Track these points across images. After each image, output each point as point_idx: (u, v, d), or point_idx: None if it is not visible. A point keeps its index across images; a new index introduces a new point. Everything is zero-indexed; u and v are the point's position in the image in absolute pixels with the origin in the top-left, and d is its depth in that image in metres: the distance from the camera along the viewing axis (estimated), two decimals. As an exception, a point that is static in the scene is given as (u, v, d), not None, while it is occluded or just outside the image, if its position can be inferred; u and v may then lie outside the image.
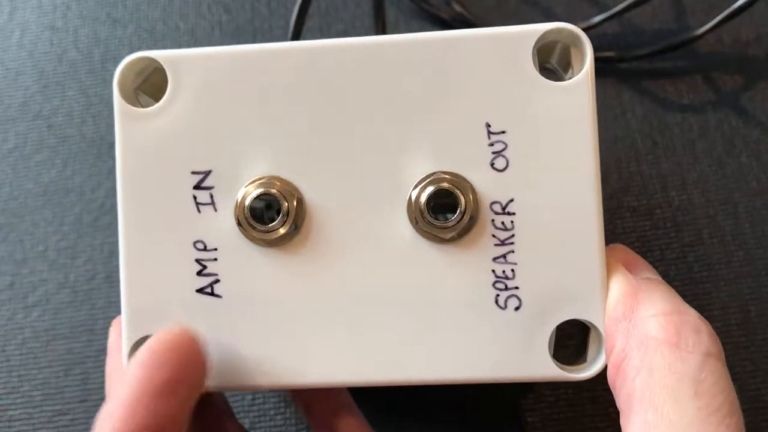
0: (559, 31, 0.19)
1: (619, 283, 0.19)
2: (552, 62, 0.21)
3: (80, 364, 0.28)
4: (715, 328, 0.27)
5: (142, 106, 0.20)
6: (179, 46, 0.34)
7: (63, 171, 0.32)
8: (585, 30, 0.32)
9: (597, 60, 0.32)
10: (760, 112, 0.30)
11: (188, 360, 0.18)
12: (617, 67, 0.32)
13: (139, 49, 0.34)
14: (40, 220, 0.31)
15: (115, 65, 0.33)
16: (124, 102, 0.20)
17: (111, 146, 0.32)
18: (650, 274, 0.20)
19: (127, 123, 0.20)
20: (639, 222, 0.29)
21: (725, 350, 0.27)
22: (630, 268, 0.20)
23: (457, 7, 0.33)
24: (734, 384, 0.27)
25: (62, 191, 0.31)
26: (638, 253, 0.28)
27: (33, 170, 0.32)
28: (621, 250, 0.21)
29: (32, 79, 0.34)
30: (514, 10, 0.33)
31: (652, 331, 0.17)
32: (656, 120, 0.30)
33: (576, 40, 0.19)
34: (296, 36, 0.29)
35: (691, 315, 0.18)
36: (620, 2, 0.31)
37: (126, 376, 0.18)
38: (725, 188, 0.29)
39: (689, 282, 0.28)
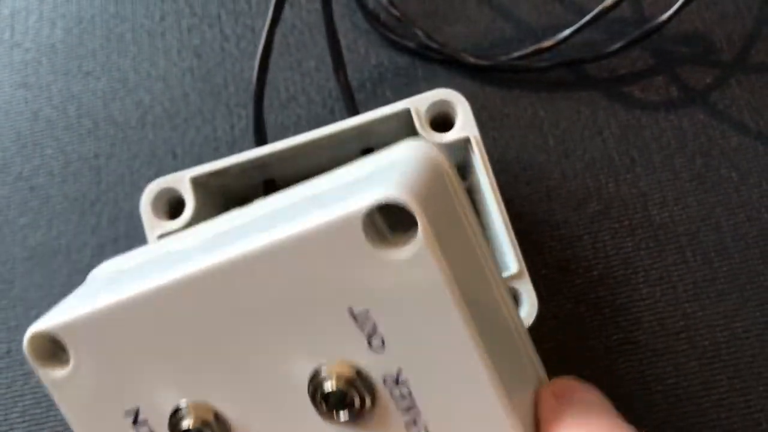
0: (387, 203, 0.18)
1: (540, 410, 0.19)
2: None
3: (81, 429, 0.29)
4: (702, 347, 0.27)
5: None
6: (152, 95, 0.34)
7: (48, 233, 0.32)
8: (553, 46, 0.32)
9: (568, 66, 0.32)
10: (735, 113, 0.30)
11: None
12: (588, 75, 0.31)
13: (113, 100, 0.34)
14: (30, 285, 0.31)
15: (90, 120, 0.33)
16: (43, 371, 0.20)
17: (93, 203, 0.32)
18: (588, 397, 0.20)
19: (55, 386, 0.21)
20: (621, 244, 0.29)
21: (713, 369, 0.27)
22: (562, 394, 0.20)
23: (423, 36, 0.32)
24: (723, 403, 0.27)
25: (49, 253, 0.31)
26: (622, 276, 0.28)
27: (19, 234, 0.32)
28: (559, 383, 0.21)
29: (10, 139, 0.34)
30: (483, 32, 0.33)
31: None
32: (633, 136, 0.30)
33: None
34: (260, 85, 0.28)
35: None
36: (588, 7, 0.31)
37: None
38: (706, 203, 0.29)
39: (674, 302, 0.28)
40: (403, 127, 0.25)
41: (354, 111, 0.27)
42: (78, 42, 0.35)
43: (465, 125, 0.24)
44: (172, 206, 0.26)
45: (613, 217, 0.29)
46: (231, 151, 0.32)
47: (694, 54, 0.32)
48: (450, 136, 0.24)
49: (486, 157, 0.24)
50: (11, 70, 0.35)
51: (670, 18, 0.31)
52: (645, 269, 0.28)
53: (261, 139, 0.29)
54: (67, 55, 0.35)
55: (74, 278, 0.31)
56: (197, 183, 0.25)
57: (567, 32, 0.32)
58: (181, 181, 0.25)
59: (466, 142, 0.24)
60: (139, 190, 0.32)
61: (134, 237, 0.31)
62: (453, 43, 0.32)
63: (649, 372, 0.27)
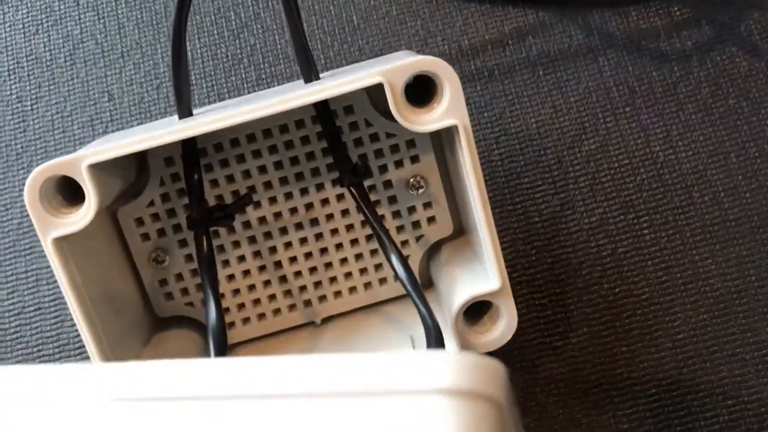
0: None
1: None
2: None
3: (19, 413, 0.25)
4: (712, 298, 0.25)
5: None
6: (82, 26, 0.29)
7: (-32, 190, 0.28)
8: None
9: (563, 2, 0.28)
10: (745, 36, 0.27)
11: None
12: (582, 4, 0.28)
13: (36, 33, 0.29)
14: (-50, 250, 0.27)
15: (11, 57, 0.29)
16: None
17: (19, 154, 0.28)
18: None
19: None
20: (622, 185, 0.26)
21: (726, 322, 0.24)
22: None
23: None
24: (736, 358, 0.24)
25: (-29, 213, 0.27)
26: (623, 221, 0.25)
27: (-66, 192, 0.28)
28: None
29: None
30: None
31: None
32: (631, 64, 0.27)
33: None
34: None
35: None
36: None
37: None
38: (714, 137, 0.26)
39: (683, 248, 0.25)
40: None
41: (306, 57, 0.22)
42: (-9, -35, 0.30)
43: (452, 108, 0.19)
44: (66, 190, 0.20)
45: (612, 155, 0.26)
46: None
47: (696, -31, 0.28)
48: (433, 125, 0.19)
49: (475, 151, 0.19)
50: None
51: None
52: (649, 213, 0.26)
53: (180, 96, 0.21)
54: (-21, -11, 0.30)
55: (1, 242, 0.27)
56: (96, 167, 0.19)
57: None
58: (76, 169, 0.19)
59: (453, 128, 0.19)
60: (73, 138, 0.28)
61: (69, 192, 0.27)
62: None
63: (656, 326, 0.24)
